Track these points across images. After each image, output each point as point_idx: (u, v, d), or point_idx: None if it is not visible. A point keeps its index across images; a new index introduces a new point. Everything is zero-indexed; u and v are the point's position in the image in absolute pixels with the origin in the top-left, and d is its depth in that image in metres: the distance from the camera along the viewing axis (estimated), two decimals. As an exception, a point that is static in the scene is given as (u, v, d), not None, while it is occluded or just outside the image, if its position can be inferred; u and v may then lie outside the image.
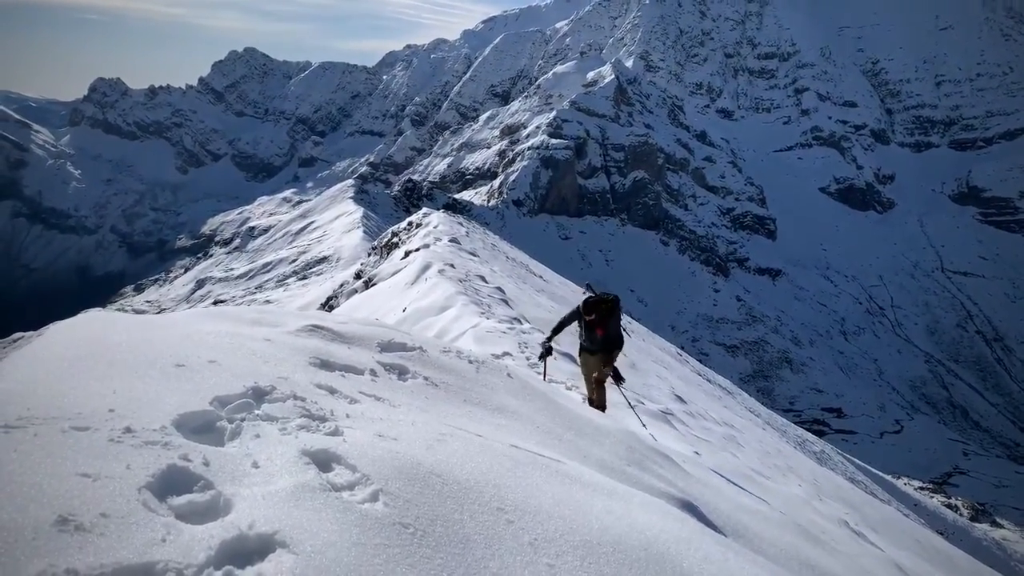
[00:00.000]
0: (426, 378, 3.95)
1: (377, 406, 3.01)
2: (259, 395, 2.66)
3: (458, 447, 2.58)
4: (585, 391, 7.68)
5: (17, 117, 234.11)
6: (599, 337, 7.30)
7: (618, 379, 7.79)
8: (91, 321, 3.20)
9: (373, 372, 3.69)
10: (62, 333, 2.98)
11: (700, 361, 51.61)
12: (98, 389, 2.32)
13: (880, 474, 33.56)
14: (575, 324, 7.72)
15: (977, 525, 40.63)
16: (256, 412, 2.54)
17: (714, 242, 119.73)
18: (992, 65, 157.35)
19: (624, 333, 7.97)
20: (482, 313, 10.62)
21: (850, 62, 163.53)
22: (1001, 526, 51.74)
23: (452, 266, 15.93)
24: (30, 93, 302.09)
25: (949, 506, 46.99)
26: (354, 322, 4.94)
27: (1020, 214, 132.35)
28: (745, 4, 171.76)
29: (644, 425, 7.04)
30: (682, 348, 53.07)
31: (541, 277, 27.22)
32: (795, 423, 45.21)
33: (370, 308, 15.89)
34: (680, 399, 12.08)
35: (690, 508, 3.42)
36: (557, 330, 7.77)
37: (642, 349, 22.16)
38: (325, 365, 3.49)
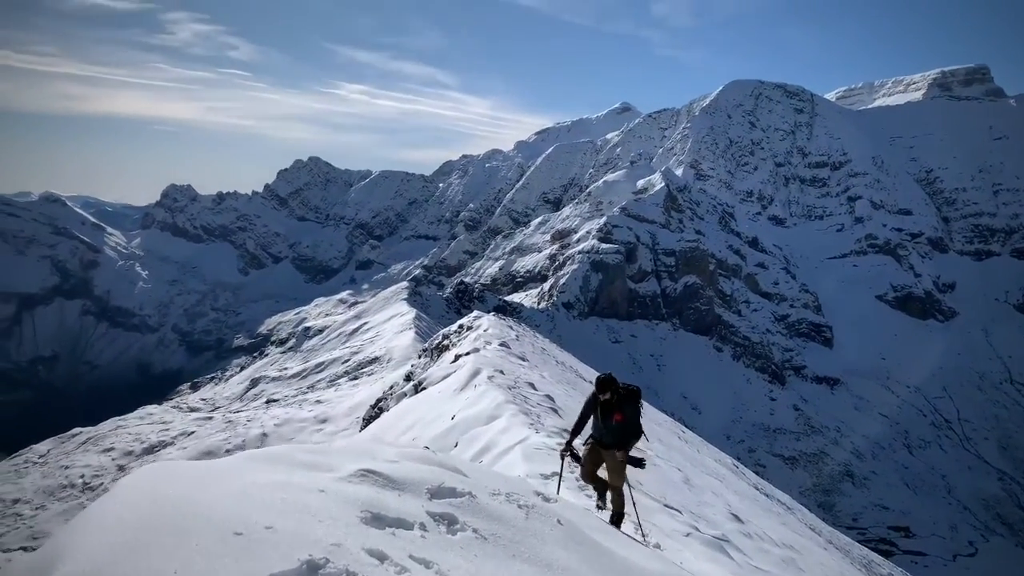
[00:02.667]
0: (475, 530, 3.95)
1: None
2: (313, 570, 2.69)
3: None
4: (595, 495, 7.13)
5: (93, 220, 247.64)
6: (616, 425, 6.70)
7: (638, 463, 7.04)
8: (152, 479, 3.29)
9: (423, 526, 3.72)
10: (125, 495, 3.04)
11: (757, 473, 49.79)
12: (161, 567, 2.38)
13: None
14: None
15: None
16: None
17: (769, 349, 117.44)
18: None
19: (644, 438, 7.28)
20: (531, 424, 10.52)
21: (903, 171, 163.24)
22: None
23: (502, 372, 15.93)
24: (107, 198, 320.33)
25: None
26: (405, 458, 5.00)
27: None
28: (794, 115, 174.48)
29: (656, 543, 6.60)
30: (738, 459, 51.37)
31: (591, 383, 26.90)
32: (859, 542, 42.86)
33: (419, 414, 15.88)
34: (737, 518, 11.59)
35: None
36: (577, 428, 7.17)
37: (696, 461, 21.53)
38: (376, 519, 3.54)
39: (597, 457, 6.96)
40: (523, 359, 20.92)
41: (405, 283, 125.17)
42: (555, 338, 71.50)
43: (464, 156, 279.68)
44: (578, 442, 7.23)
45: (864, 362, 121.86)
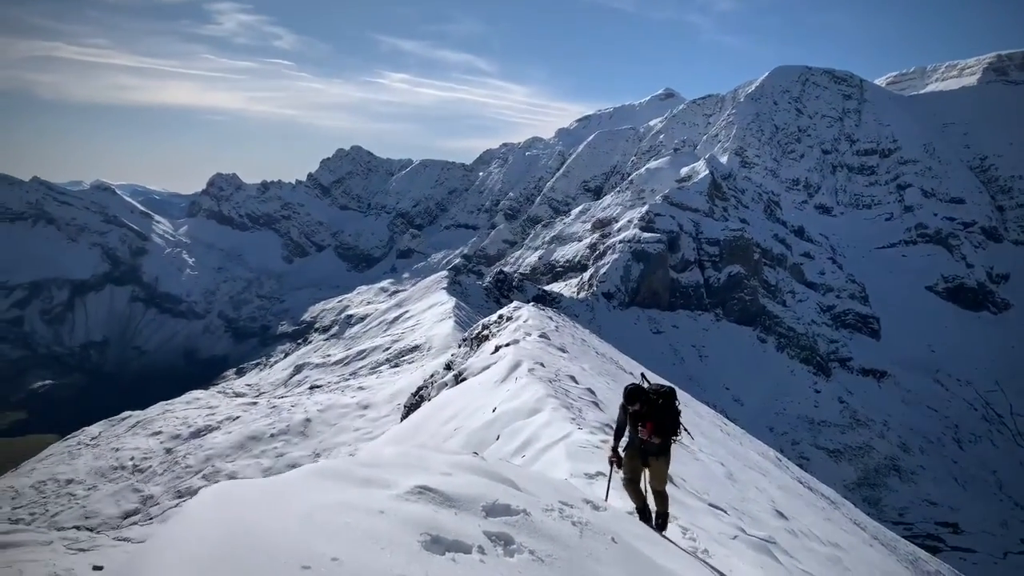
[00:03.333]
0: (532, 552, 3.96)
1: None
2: None
3: None
4: (632, 502, 6.89)
5: (142, 209, 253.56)
6: (648, 435, 6.55)
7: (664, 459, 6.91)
8: (219, 505, 3.31)
9: (481, 549, 3.75)
10: (193, 524, 3.08)
11: (800, 466, 49.04)
12: None
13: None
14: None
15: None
16: None
17: (814, 340, 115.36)
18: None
19: (684, 432, 7.15)
20: (573, 419, 10.42)
21: (956, 158, 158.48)
22: None
23: (542, 365, 15.83)
24: (154, 187, 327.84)
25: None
26: (457, 469, 5.05)
27: None
28: (843, 101, 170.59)
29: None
30: (781, 451, 50.64)
31: (631, 374, 26.68)
32: (906, 537, 41.97)
33: (460, 405, 15.89)
34: (781, 515, 11.35)
35: None
36: (619, 433, 7.02)
37: (739, 454, 21.22)
38: (435, 543, 3.59)
39: (637, 464, 6.80)
40: (563, 350, 20.79)
41: (445, 272, 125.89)
42: (595, 328, 71.24)
43: (504, 144, 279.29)
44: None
45: (913, 354, 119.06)
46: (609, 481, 7.12)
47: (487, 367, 18.85)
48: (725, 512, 8.08)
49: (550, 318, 30.42)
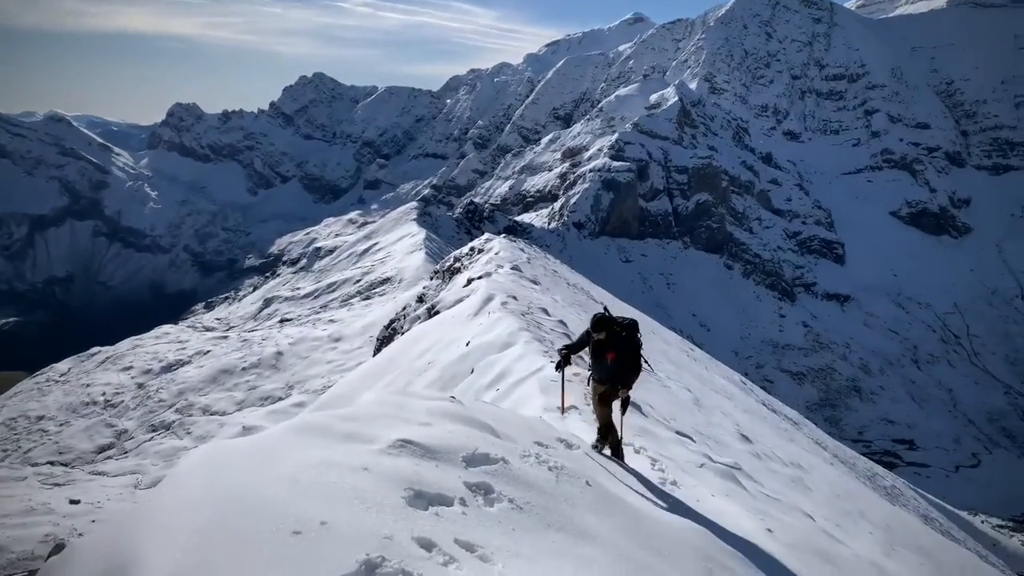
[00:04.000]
0: (511, 500, 4.13)
1: (473, 567, 3.21)
2: (371, 570, 2.85)
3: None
4: (598, 423, 6.89)
5: (100, 140, 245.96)
6: (609, 364, 6.52)
7: (623, 407, 6.78)
8: (208, 469, 3.40)
9: (463, 501, 3.89)
10: (185, 491, 3.15)
11: (765, 389, 50.54)
12: None
13: (956, 511, 32.18)
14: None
15: (1062, 568, 38.40)
16: None
17: (780, 266, 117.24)
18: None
19: (646, 366, 7.12)
20: (545, 352, 10.63)
21: (923, 83, 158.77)
22: (1089, 570, 48.89)
23: (514, 298, 16.00)
24: (112, 118, 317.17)
25: (1032, 547, 44.63)
26: (436, 416, 5.19)
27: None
28: (812, 25, 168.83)
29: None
30: (746, 375, 52.04)
31: (602, 305, 27.03)
32: (864, 455, 43.78)
33: (434, 338, 16.06)
34: (746, 438, 11.82)
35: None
36: (576, 346, 7.03)
37: (705, 379, 21.83)
38: (418, 497, 3.72)
39: (599, 392, 6.80)
40: (535, 282, 20.98)
41: (414, 203, 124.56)
42: (566, 259, 71.61)
43: (472, 70, 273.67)
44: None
45: (875, 279, 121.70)
46: (563, 389, 7.14)
47: (460, 300, 18.99)
48: (692, 439, 8.41)
49: (521, 250, 30.54)
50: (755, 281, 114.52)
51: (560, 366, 7.00)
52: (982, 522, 40.13)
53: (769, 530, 5.59)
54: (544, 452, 5.25)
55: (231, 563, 2.56)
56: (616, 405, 6.74)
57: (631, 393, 6.63)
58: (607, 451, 6.76)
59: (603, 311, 6.71)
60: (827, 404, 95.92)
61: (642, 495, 5.26)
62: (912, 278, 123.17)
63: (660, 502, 5.21)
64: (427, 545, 3.18)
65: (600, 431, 6.80)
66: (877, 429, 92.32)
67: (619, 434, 6.80)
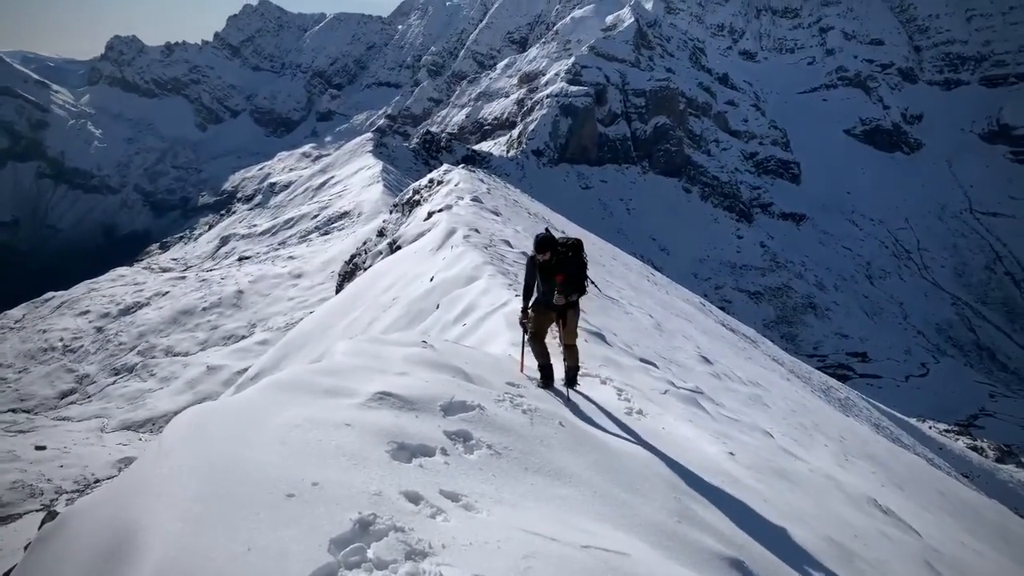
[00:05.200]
0: (489, 446, 4.29)
1: (459, 516, 3.36)
2: (364, 527, 2.98)
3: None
4: (536, 359, 6.55)
5: (36, 77, 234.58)
6: (558, 285, 6.27)
7: (571, 323, 6.62)
8: (198, 435, 3.48)
9: (444, 450, 4.03)
10: (179, 458, 3.20)
11: (723, 309, 51.69)
12: (234, 549, 2.62)
13: (905, 419, 33.73)
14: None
15: (1002, 467, 40.76)
16: (368, 556, 2.84)
17: (737, 188, 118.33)
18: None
19: (592, 286, 6.90)
20: (510, 285, 10.75)
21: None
22: (1027, 468, 51.90)
23: (476, 231, 16.02)
24: (47, 53, 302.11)
25: (975, 448, 47.13)
26: (411, 365, 5.37)
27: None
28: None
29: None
30: (705, 296, 53.10)
31: (563, 232, 27.18)
32: (819, 369, 45.35)
33: (398, 273, 16.08)
34: (706, 360, 12.20)
35: (739, 566, 3.80)
36: (526, 294, 6.63)
37: (666, 303, 22.27)
38: (402, 450, 3.86)
39: (546, 319, 6.58)
40: (496, 213, 20.98)
41: (369, 135, 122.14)
42: (525, 187, 71.41)
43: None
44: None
45: (830, 197, 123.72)
46: (523, 349, 6.77)
47: (421, 234, 18.95)
48: (655, 366, 8.68)
49: (481, 180, 30.35)
50: (713, 203, 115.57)
51: (524, 325, 6.61)
52: (929, 428, 42.15)
53: (731, 453, 5.88)
54: (516, 394, 5.44)
55: (231, 530, 2.68)
56: (561, 329, 6.60)
57: (590, 320, 6.65)
58: (551, 377, 6.55)
59: (544, 231, 6.55)
60: (784, 321, 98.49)
61: (612, 429, 5.49)
62: (865, 195, 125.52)
63: (629, 435, 5.45)
64: (414, 498, 3.35)
65: (542, 370, 6.49)
66: (831, 343, 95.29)
67: (577, 359, 6.67)
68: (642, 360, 8.75)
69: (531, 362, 6.59)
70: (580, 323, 6.92)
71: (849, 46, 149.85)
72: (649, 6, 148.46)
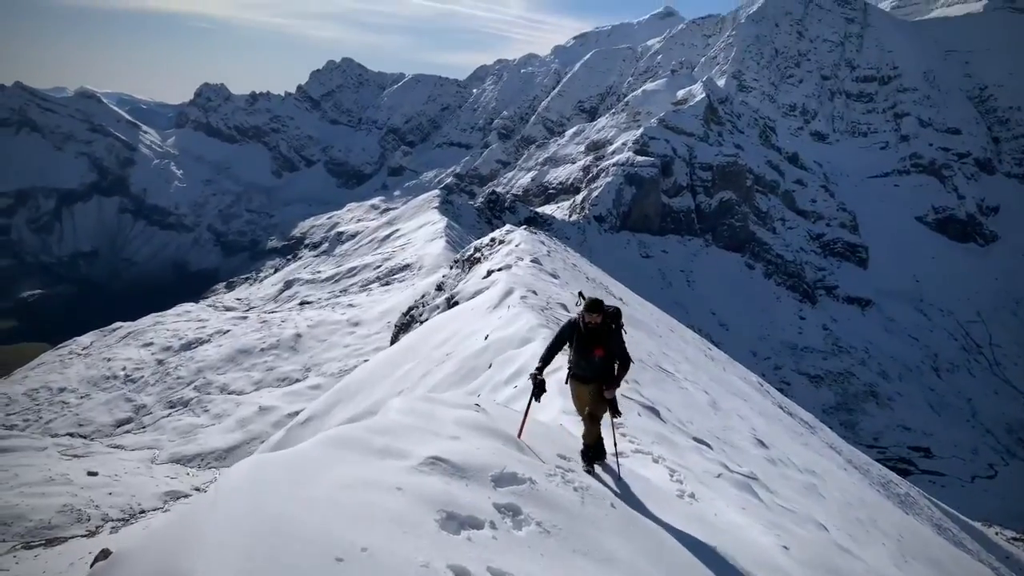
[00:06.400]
0: (538, 523, 4.23)
1: None
2: None
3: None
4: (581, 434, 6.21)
5: (129, 118, 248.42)
6: (597, 360, 5.95)
7: (615, 412, 6.24)
8: (250, 490, 3.50)
9: (492, 524, 4.00)
10: (229, 514, 3.21)
11: (781, 391, 50.27)
12: None
13: (970, 522, 31.87)
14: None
15: (1076, 584, 37.95)
16: None
17: (802, 267, 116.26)
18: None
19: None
20: (564, 351, 10.66)
21: (955, 87, 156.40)
22: (1104, 588, 48.31)
23: (534, 292, 16.04)
24: (141, 96, 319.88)
25: (1045, 561, 44.06)
26: (464, 428, 5.33)
27: None
28: (845, 25, 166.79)
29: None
30: (763, 376, 51.77)
31: (620, 299, 27.00)
32: (879, 461, 43.44)
33: (453, 329, 16.13)
34: (762, 443, 11.81)
35: None
36: (549, 356, 6.26)
37: (722, 380, 21.77)
38: (451, 519, 3.85)
39: (582, 393, 6.23)
40: (555, 276, 21.01)
41: (437, 191, 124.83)
42: (585, 251, 71.48)
43: (499, 61, 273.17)
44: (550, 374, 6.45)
45: (898, 284, 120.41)
46: (527, 413, 6.30)
47: (479, 292, 19.07)
48: (709, 446, 8.43)
49: (542, 242, 30.54)
50: (776, 282, 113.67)
51: (538, 394, 6.14)
52: (996, 534, 39.69)
53: (785, 547, 5.62)
54: (568, 469, 5.36)
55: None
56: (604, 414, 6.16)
57: (644, 393, 6.48)
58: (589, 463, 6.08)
59: (581, 294, 6.30)
60: (843, 408, 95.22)
61: (663, 513, 5.31)
62: (935, 284, 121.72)
63: (680, 520, 5.26)
64: (461, 573, 3.31)
65: (592, 450, 6.11)
66: (893, 435, 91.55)
67: (605, 442, 6.26)
68: (696, 439, 8.51)
69: (533, 428, 6.29)
70: (634, 395, 6.77)
71: (924, 133, 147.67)
72: (722, 83, 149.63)
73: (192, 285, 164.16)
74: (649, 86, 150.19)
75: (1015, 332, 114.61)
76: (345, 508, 3.49)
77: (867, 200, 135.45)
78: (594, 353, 6.02)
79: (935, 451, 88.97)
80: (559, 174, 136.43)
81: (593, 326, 6.04)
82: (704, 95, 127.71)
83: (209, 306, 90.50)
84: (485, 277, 21.11)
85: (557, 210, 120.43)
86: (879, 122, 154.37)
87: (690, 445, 7.95)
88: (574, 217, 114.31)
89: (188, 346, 64.93)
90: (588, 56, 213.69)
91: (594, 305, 6.01)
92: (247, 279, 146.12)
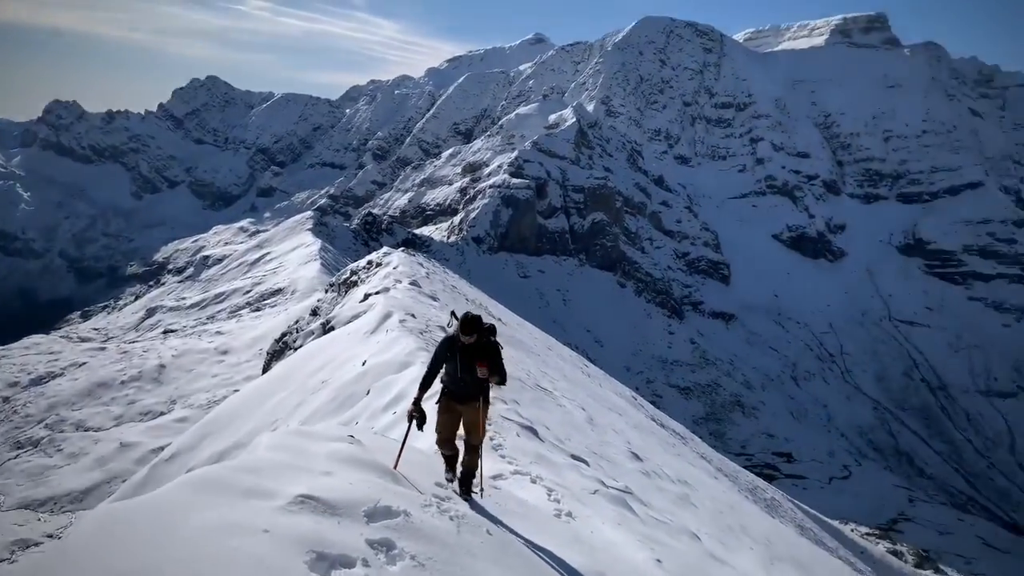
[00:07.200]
0: (413, 556, 4.14)
1: None
2: None
3: None
4: (443, 455, 6.04)
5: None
6: (480, 375, 5.72)
7: (486, 403, 6.09)
8: (103, 543, 3.20)
9: (365, 561, 3.89)
10: (80, 561, 2.98)
11: (654, 403, 52.01)
12: None
13: (828, 521, 33.99)
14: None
15: (921, 572, 41.23)
16: None
17: (670, 285, 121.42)
18: (937, 123, 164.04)
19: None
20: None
21: (803, 114, 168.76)
22: (945, 573, 52.64)
23: (413, 316, 15.90)
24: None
25: (894, 552, 47.59)
26: (336, 462, 5.12)
27: (963, 267, 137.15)
28: (703, 55, 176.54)
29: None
30: (637, 390, 53.46)
31: (500, 319, 27.23)
32: (746, 467, 45.70)
33: (329, 355, 15.74)
34: (637, 456, 12.16)
35: None
36: (429, 379, 5.99)
37: (598, 396, 22.30)
38: (321, 559, 3.70)
39: (454, 416, 6.03)
40: (434, 298, 20.92)
41: (310, 212, 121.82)
42: (464, 273, 71.68)
43: (373, 81, 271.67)
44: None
45: (758, 298, 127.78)
46: (404, 443, 6.02)
47: (356, 316, 18.70)
48: (587, 463, 8.59)
49: (420, 264, 30.38)
50: (646, 299, 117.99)
51: (420, 424, 5.90)
52: (852, 530, 42.51)
53: (658, 560, 5.77)
54: (445, 497, 5.28)
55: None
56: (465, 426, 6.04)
57: (523, 413, 6.49)
58: (455, 483, 5.99)
59: (454, 313, 6.08)
60: (712, 418, 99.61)
61: (541, 535, 5.33)
62: (791, 298, 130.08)
63: (556, 541, 5.30)
64: None
65: (471, 476, 5.93)
66: (758, 443, 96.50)
67: (477, 463, 6.04)
68: (573, 457, 8.66)
69: (411, 456, 6.12)
70: (512, 415, 6.80)
71: (777, 157, 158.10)
72: (591, 108, 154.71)
73: (42, 315, 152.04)
74: (522, 110, 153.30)
75: (862, 341, 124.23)
76: (207, 556, 3.30)
77: (728, 220, 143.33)
78: (478, 368, 5.78)
79: (796, 456, 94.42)
80: (436, 195, 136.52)
81: (469, 345, 5.81)
82: (575, 120, 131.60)
83: (62, 337, 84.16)
84: (362, 301, 20.74)
85: (435, 231, 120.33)
86: (737, 146, 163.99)
87: (568, 463, 8.07)
88: (452, 238, 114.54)
89: (38, 381, 59.96)
90: (462, 79, 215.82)
91: (469, 325, 5.74)
92: (105, 307, 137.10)
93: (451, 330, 6.13)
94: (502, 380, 6.00)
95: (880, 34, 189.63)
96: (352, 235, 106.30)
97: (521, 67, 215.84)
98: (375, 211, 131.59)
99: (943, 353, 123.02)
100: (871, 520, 69.22)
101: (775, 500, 26.75)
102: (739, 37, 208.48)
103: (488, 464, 6.29)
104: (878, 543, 46.16)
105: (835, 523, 35.84)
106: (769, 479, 56.13)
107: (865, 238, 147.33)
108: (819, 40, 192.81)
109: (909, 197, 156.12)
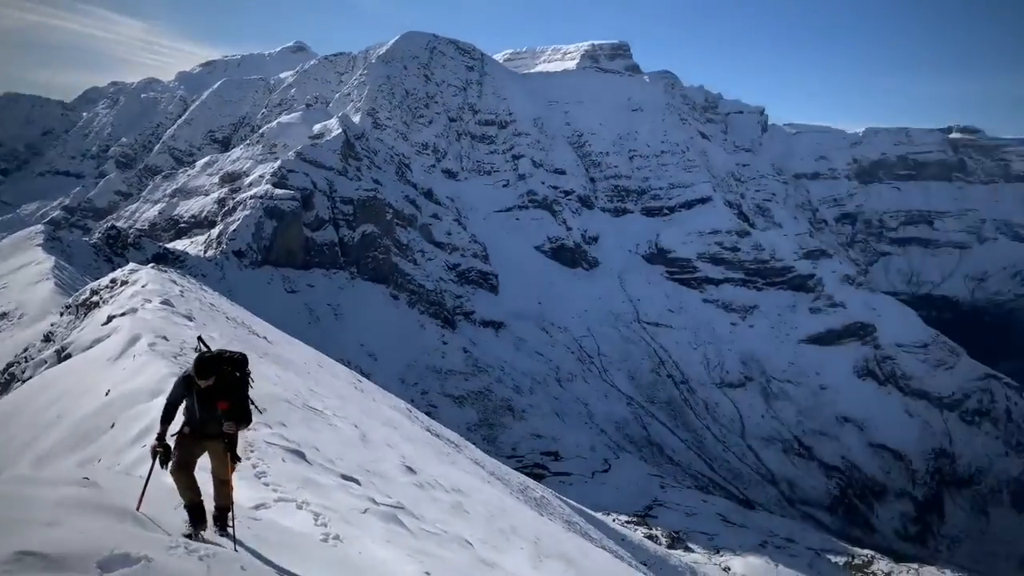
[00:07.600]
0: None
1: None
2: None
3: None
4: (181, 496, 5.52)
5: None
6: (221, 413, 5.40)
7: (235, 459, 5.72)
8: None
9: None
10: None
11: (429, 413, 52.41)
12: None
13: (593, 513, 36.24)
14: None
15: (673, 552, 45.17)
16: None
17: (442, 296, 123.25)
18: (672, 144, 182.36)
19: (254, 409, 5.92)
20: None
21: (559, 134, 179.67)
22: (692, 551, 58.17)
23: (165, 338, 14.65)
24: None
25: (650, 537, 51.77)
26: (64, 508, 4.50)
27: (697, 272, 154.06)
28: (466, 72, 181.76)
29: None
30: (412, 401, 53.53)
31: (265, 338, 26.04)
32: (517, 469, 47.45)
33: (65, 386, 14.05)
34: (411, 469, 12.14)
35: None
36: (169, 416, 5.55)
37: (372, 411, 22.02)
38: None
39: (195, 452, 5.60)
40: (190, 318, 19.46)
41: (41, 226, 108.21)
42: (225, 289, 67.73)
43: (114, 83, 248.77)
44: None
45: (524, 306, 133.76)
46: (147, 481, 5.48)
47: (98, 341, 16.87)
48: (358, 482, 8.41)
49: (173, 281, 28.15)
50: (420, 310, 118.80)
51: (164, 461, 5.41)
52: (613, 520, 45.59)
53: (427, 573, 5.77)
54: (195, 535, 4.83)
55: None
56: (213, 460, 5.63)
57: (289, 436, 6.22)
58: (203, 516, 5.54)
59: (203, 349, 5.58)
60: (485, 424, 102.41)
61: (304, 564, 5.07)
62: (554, 305, 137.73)
63: (321, 567, 5.10)
64: None
65: (191, 510, 5.45)
66: (528, 444, 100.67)
67: (230, 498, 5.70)
68: (344, 476, 8.45)
69: (158, 495, 5.60)
70: (278, 440, 6.48)
71: (537, 173, 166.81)
72: (357, 119, 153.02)
73: None
74: (284, 119, 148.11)
75: (616, 343, 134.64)
76: None
77: (495, 232, 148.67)
78: (218, 407, 5.42)
79: (562, 454, 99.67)
80: (191, 207, 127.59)
81: (208, 388, 5.42)
82: (340, 131, 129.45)
83: None
84: (105, 323, 18.76)
85: (191, 245, 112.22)
86: (500, 162, 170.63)
87: (337, 484, 7.85)
88: (210, 253, 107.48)
89: None
90: (218, 84, 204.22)
91: (204, 368, 5.36)
92: None
93: (188, 368, 5.66)
94: (242, 422, 5.61)
95: (623, 60, 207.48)
96: (93, 251, 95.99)
97: (282, 75, 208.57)
98: (119, 224, 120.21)
99: (684, 350, 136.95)
100: (630, 508, 75.04)
101: (544, 498, 28.02)
102: (499, 57, 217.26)
103: (250, 493, 5.92)
104: (636, 529, 49.92)
105: (599, 515, 38.30)
106: (538, 478, 58.73)
107: (616, 248, 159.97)
108: (571, 64, 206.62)
109: (652, 211, 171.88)
